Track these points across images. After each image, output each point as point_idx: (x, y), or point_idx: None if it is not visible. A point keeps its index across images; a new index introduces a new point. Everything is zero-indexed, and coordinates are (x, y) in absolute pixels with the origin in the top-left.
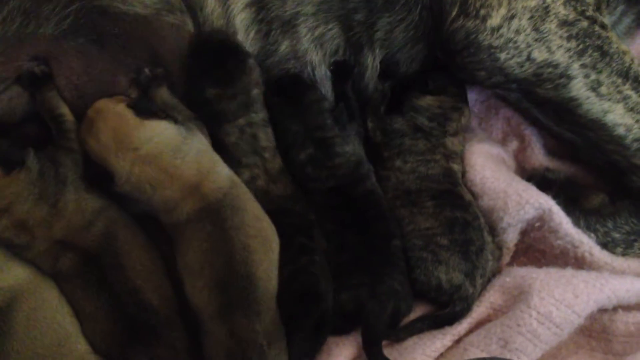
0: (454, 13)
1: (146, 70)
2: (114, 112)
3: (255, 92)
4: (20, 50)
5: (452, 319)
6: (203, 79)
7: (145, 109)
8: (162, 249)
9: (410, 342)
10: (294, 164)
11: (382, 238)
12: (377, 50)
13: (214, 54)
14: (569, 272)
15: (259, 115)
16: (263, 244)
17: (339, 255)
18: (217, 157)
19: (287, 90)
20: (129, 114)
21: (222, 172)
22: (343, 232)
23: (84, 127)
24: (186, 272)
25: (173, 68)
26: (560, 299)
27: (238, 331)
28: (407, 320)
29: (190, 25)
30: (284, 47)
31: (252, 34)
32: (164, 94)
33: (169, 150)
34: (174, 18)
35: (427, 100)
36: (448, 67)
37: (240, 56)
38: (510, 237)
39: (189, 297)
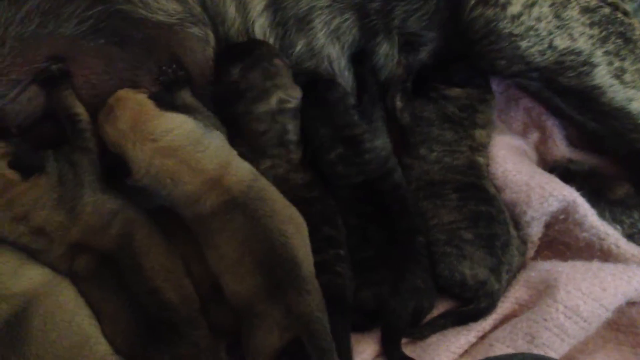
0: (472, 1)
1: (169, 70)
2: (135, 100)
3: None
4: (37, 51)
5: (476, 315)
6: (229, 62)
7: (166, 101)
8: (179, 248)
9: (433, 339)
10: (324, 163)
11: (406, 234)
12: (394, 39)
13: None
14: (595, 265)
15: (292, 102)
16: (297, 229)
17: (362, 250)
18: (235, 152)
19: (309, 90)
20: (149, 104)
21: (242, 165)
22: (366, 226)
23: (102, 114)
24: (223, 264)
25: (196, 80)
26: (588, 292)
27: (295, 308)
28: (430, 316)
29: (212, 39)
30: (300, 46)
31: (270, 40)
32: (185, 95)
33: (189, 143)
34: (198, 30)
35: (455, 91)
36: (465, 57)
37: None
38: (535, 231)
39: (229, 286)
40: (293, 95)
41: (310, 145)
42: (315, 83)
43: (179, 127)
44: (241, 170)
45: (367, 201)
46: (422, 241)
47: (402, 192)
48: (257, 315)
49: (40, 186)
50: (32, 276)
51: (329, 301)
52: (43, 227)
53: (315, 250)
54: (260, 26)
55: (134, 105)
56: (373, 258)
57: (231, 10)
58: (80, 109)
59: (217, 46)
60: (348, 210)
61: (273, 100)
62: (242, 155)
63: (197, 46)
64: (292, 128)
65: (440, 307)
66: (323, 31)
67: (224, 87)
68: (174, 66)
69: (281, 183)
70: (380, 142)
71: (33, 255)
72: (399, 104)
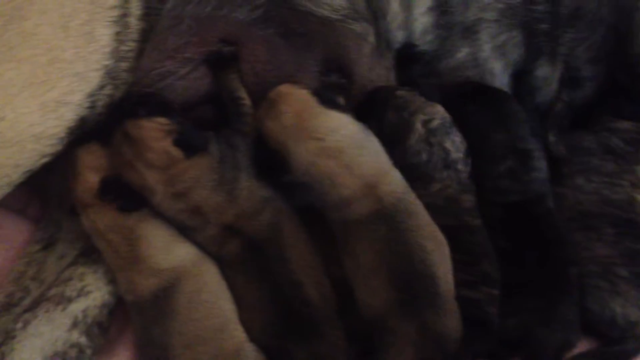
0: None
1: (333, 76)
2: (299, 96)
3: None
4: (211, 33)
5: (621, 358)
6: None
7: (329, 99)
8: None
9: None
10: (488, 175)
11: (560, 263)
12: (557, 64)
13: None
14: None
15: (436, 119)
16: (438, 246)
17: (512, 275)
18: (390, 162)
19: (483, 97)
20: (313, 101)
21: (397, 175)
22: (519, 251)
23: (264, 108)
24: (359, 272)
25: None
26: None
27: (432, 327)
28: (570, 354)
29: (371, 36)
30: (463, 53)
31: (428, 37)
32: (341, 102)
33: (353, 145)
34: (359, 26)
35: (624, 124)
36: (628, 92)
37: None
38: None
39: (362, 297)
40: (433, 112)
41: (479, 153)
42: (489, 90)
43: (344, 128)
44: (396, 180)
45: (520, 224)
46: (575, 273)
47: (555, 220)
48: (390, 332)
49: (201, 166)
50: (181, 254)
51: (475, 340)
52: (201, 206)
53: (468, 285)
54: (422, 24)
55: (298, 101)
56: (524, 285)
57: (394, 6)
58: (244, 93)
59: (376, 41)
60: (500, 232)
61: (418, 127)
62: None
63: (353, 44)
64: (450, 146)
65: (580, 346)
66: (489, 44)
67: None
68: (339, 73)
69: (450, 204)
70: (544, 163)
71: (186, 232)
72: (552, 138)
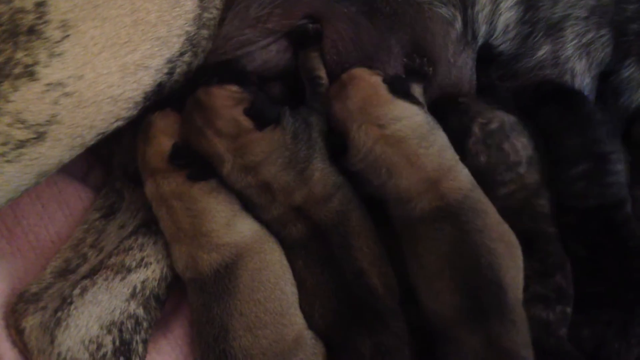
0: None
1: (417, 61)
2: (369, 81)
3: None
4: (296, 7)
5: None
6: None
7: (400, 88)
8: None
9: None
10: (562, 178)
11: None
12: None
13: None
14: None
15: (493, 123)
16: (508, 249)
17: (590, 285)
18: (457, 156)
19: (558, 99)
20: (382, 88)
21: (463, 171)
22: (597, 260)
23: (333, 89)
24: (421, 274)
25: (434, 65)
26: None
27: (497, 341)
28: None
29: (459, 23)
30: (544, 51)
31: (510, 34)
32: (417, 90)
33: (415, 136)
34: (446, 11)
35: None
36: None
37: None
38: None
39: (424, 299)
40: (491, 116)
41: (552, 156)
42: (565, 91)
43: (408, 118)
44: (461, 176)
45: (599, 231)
46: None
47: (634, 226)
48: (452, 341)
49: (273, 140)
50: (244, 230)
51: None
52: (270, 183)
53: (542, 300)
54: (505, 20)
55: (367, 86)
56: (603, 295)
57: None
58: (323, 73)
59: (463, 30)
60: (577, 239)
61: (475, 130)
62: None
63: (439, 28)
64: (509, 148)
65: None
66: (573, 42)
67: None
68: (425, 59)
69: (523, 209)
70: (622, 167)
71: (251, 210)
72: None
